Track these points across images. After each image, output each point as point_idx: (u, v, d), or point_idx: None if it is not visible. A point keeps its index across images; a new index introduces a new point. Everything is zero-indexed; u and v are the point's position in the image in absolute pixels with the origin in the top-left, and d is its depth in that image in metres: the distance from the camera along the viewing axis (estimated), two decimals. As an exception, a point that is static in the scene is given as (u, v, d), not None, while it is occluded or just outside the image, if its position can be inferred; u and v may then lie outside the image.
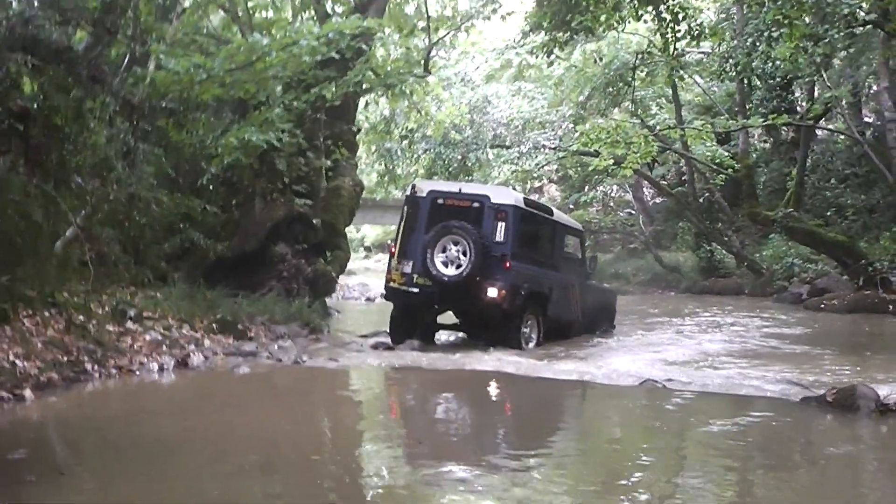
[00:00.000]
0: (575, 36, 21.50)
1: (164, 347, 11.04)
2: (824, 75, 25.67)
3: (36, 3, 10.60)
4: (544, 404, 9.96)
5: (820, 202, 30.85)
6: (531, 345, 13.74)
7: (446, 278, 13.04)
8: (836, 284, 24.92)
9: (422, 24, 22.47)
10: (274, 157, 16.43)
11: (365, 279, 37.23)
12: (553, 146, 34.91)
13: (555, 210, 15.95)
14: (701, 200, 33.86)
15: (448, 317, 14.66)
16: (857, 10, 17.97)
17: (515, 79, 38.10)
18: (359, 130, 23.33)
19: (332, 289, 19.69)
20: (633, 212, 42.23)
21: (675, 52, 21.78)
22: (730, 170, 29.09)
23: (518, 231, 13.44)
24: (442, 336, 15.15)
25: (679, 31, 20.08)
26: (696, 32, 20.31)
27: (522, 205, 13.80)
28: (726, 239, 32.61)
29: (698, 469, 6.77)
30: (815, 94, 28.29)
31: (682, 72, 27.17)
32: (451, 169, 35.52)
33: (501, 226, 13.25)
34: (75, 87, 9.67)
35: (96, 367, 9.58)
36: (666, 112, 33.21)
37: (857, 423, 8.36)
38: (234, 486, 5.82)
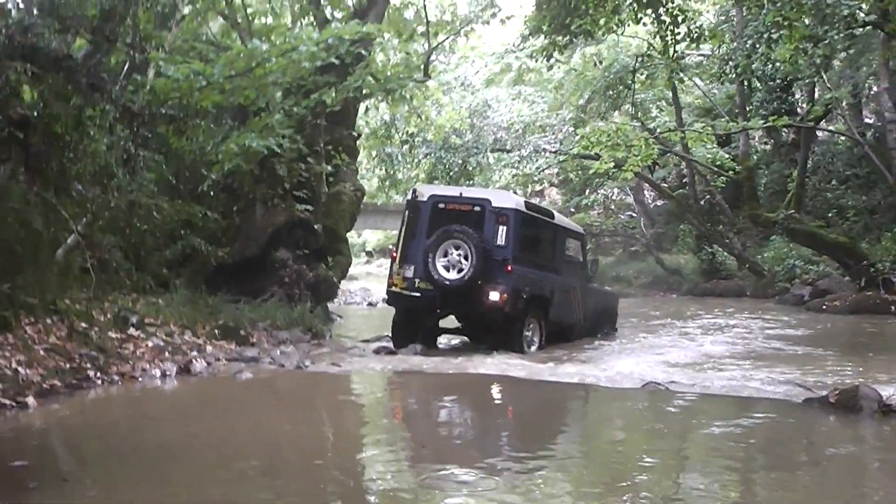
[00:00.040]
0: (574, 39, 21.48)
1: (167, 354, 11.04)
2: (824, 77, 25.69)
3: (35, 12, 10.63)
4: (547, 407, 9.96)
5: (821, 203, 30.83)
6: (533, 348, 13.74)
7: (448, 282, 13.05)
8: (838, 286, 24.88)
9: (421, 28, 22.49)
10: (274, 162, 16.43)
11: (366, 284, 37.24)
12: (554, 150, 34.93)
13: (556, 213, 15.95)
14: (702, 203, 33.87)
15: (450, 321, 14.66)
16: (857, 11, 17.96)
17: (515, 83, 38.10)
18: (359, 135, 23.34)
19: (334, 294, 19.69)
20: (634, 214, 42.22)
21: (675, 55, 21.79)
22: (731, 172, 29.12)
23: (519, 235, 13.44)
24: (444, 340, 15.15)
25: (678, 33, 20.09)
26: (696, 35, 20.32)
27: (523, 208, 13.80)
28: (727, 241, 32.60)
29: (701, 471, 6.76)
30: (816, 95, 28.26)
31: (681, 74, 27.23)
32: (451, 173, 35.53)
33: (503, 229, 13.25)
34: (75, 94, 9.68)
35: (99, 373, 9.58)
36: (666, 115, 33.23)
37: (859, 423, 8.35)
38: (237, 492, 5.81)
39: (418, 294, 13.50)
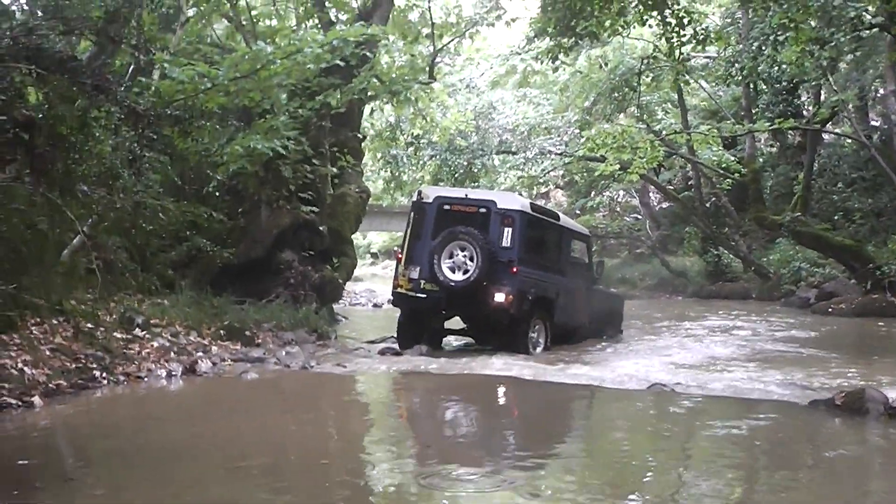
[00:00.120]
0: (580, 41, 21.46)
1: (172, 354, 11.05)
2: (830, 79, 25.63)
3: (40, 14, 10.66)
4: (552, 408, 9.94)
5: (827, 206, 30.80)
6: (539, 350, 13.73)
7: (453, 284, 13.04)
8: (844, 288, 24.83)
9: (426, 30, 22.49)
10: (279, 164, 16.44)
11: (371, 285, 37.32)
12: (559, 152, 34.90)
13: (561, 215, 15.93)
14: (707, 205, 33.85)
15: (455, 322, 14.65)
16: (864, 13, 17.94)
17: (520, 85, 38.12)
18: (364, 137, 23.36)
19: (339, 295, 19.70)
20: (639, 217, 42.18)
21: (681, 57, 21.74)
22: (736, 174, 29.11)
23: (525, 236, 13.42)
24: (450, 341, 15.14)
25: (684, 35, 20.05)
26: (702, 37, 20.28)
27: (529, 210, 13.79)
28: (733, 243, 32.57)
29: (706, 472, 6.73)
30: (822, 97, 28.22)
31: (687, 76, 27.15)
32: (456, 175, 35.52)
33: (508, 231, 13.24)
34: (80, 96, 9.69)
35: (104, 373, 9.60)
36: (672, 117, 33.20)
37: (865, 426, 8.33)
38: (242, 492, 5.81)
39: (424, 295, 13.49)
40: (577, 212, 39.10)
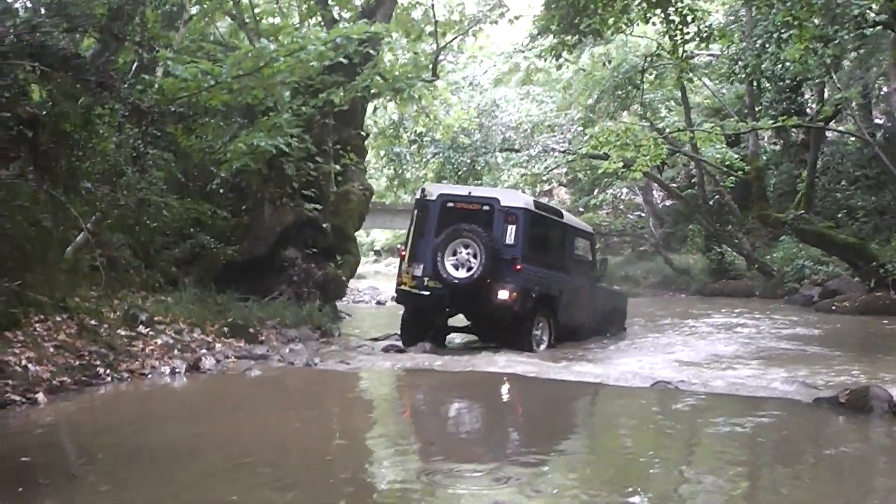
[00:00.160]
0: (583, 39, 21.44)
1: (176, 351, 11.06)
2: (834, 77, 25.59)
3: (43, 11, 10.65)
4: (556, 406, 9.94)
5: (830, 204, 30.73)
6: (542, 347, 13.73)
7: (457, 281, 13.05)
8: (848, 286, 24.77)
9: (429, 28, 22.50)
10: (283, 162, 16.45)
11: (375, 283, 37.32)
12: (562, 149, 34.87)
13: (565, 212, 15.92)
14: (711, 203, 33.78)
15: (459, 319, 14.65)
16: (867, 10, 17.91)
17: (524, 82, 38.09)
18: (367, 135, 23.38)
19: (343, 292, 19.71)
20: (642, 214, 42.14)
21: (684, 55, 21.71)
22: (740, 172, 29.05)
23: (528, 234, 13.42)
24: (454, 339, 15.14)
25: (688, 33, 20.03)
26: (705, 34, 20.25)
27: (532, 207, 13.78)
28: (737, 241, 32.51)
29: (710, 470, 6.72)
30: (825, 95, 28.17)
31: (691, 74, 27.13)
32: (460, 173, 35.53)
33: (512, 228, 13.24)
34: (84, 93, 9.69)
35: (108, 370, 9.61)
36: (675, 114, 33.15)
37: (869, 424, 8.32)
38: (247, 489, 5.81)
39: (427, 292, 13.49)
40: (581, 209, 39.03)
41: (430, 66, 21.50)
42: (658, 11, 19.74)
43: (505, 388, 10.81)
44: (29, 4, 12.09)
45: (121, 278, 12.60)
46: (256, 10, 20.05)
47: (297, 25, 21.34)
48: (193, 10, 17.17)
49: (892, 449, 7.87)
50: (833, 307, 22.85)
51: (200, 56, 15.49)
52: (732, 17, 28.78)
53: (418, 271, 13.61)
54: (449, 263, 13.12)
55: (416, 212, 14.11)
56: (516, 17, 25.47)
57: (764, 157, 32.38)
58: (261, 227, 17.02)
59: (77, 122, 9.79)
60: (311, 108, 16.75)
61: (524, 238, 13.29)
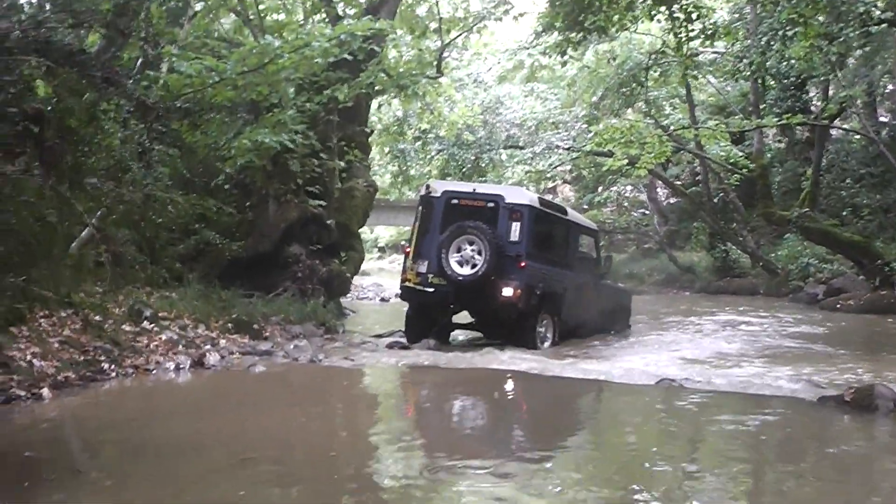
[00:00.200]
0: (588, 36, 21.43)
1: (180, 347, 11.08)
2: (839, 75, 25.56)
3: (48, 7, 10.66)
4: (560, 403, 9.94)
5: (835, 202, 30.68)
6: (546, 344, 13.73)
7: (461, 278, 13.05)
8: (852, 284, 24.72)
9: (434, 25, 22.49)
10: (287, 158, 16.44)
11: (379, 279, 37.35)
12: (567, 146, 34.83)
13: (569, 210, 15.93)
14: (715, 200, 33.73)
15: (463, 316, 14.65)
16: (872, 8, 17.87)
17: (528, 79, 38.08)
18: (372, 132, 23.36)
19: (347, 289, 19.71)
20: (647, 212, 42.12)
21: (689, 52, 21.69)
22: (744, 170, 28.99)
23: (533, 231, 13.42)
24: (458, 336, 15.14)
25: (692, 30, 20.02)
26: (710, 32, 20.24)
27: (537, 204, 13.78)
28: (741, 239, 32.47)
29: (713, 468, 6.71)
30: (830, 93, 28.11)
31: (695, 72, 27.08)
32: (464, 170, 35.50)
33: (516, 226, 13.24)
34: (89, 89, 9.69)
35: (113, 366, 9.62)
36: (679, 112, 33.14)
37: (875, 423, 8.31)
38: (251, 485, 5.81)
39: (432, 289, 13.49)
40: (585, 207, 39.02)
41: (435, 63, 21.48)
42: (663, 8, 19.74)
43: (509, 385, 10.79)
44: (34, 0, 12.09)
45: (126, 274, 12.60)
46: (261, 7, 20.01)
47: (302, 22, 21.33)
48: (198, 7, 17.16)
49: (896, 448, 7.87)
50: (838, 305, 22.82)
51: (205, 52, 15.49)
52: (737, 15, 28.72)
53: (423, 268, 13.61)
54: (453, 260, 13.12)
55: (420, 208, 14.12)
56: (521, 14, 25.43)
57: (768, 155, 32.32)
58: (265, 224, 17.02)
59: (82, 118, 9.79)
60: (316, 104, 16.74)
61: (529, 235, 13.28)
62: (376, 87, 19.12)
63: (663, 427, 8.57)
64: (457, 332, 15.08)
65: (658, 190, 42.40)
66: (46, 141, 9.38)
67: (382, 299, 28.01)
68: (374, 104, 25.17)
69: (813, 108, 31.47)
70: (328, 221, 17.73)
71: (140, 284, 13.12)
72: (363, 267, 23.68)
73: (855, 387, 9.11)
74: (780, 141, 36.59)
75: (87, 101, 9.82)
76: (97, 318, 10.61)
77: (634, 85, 31.16)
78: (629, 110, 35.14)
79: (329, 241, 17.84)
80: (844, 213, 29.21)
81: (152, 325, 11.47)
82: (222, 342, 12.01)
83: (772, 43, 19.90)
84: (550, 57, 23.81)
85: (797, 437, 8.04)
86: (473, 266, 13.02)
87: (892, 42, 24.41)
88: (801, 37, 18.19)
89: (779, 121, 24.60)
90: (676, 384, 10.14)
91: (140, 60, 13.99)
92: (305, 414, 8.62)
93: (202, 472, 6.09)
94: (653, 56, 28.34)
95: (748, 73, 23.73)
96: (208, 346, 11.46)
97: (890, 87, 29.77)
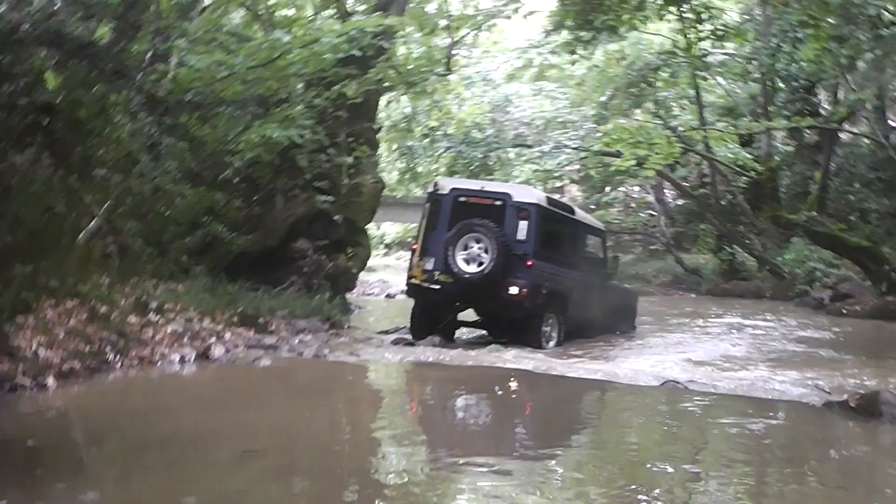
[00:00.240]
0: (598, 35, 21.42)
1: (186, 339, 11.05)
2: (849, 78, 25.49)
3: (59, -1, 10.67)
4: (564, 403, 9.94)
5: (843, 206, 30.61)
6: (552, 344, 13.70)
7: (467, 276, 13.03)
8: (859, 290, 24.65)
9: (443, 22, 22.47)
10: (295, 153, 16.46)
11: (385, 276, 37.34)
12: (575, 146, 34.79)
13: (577, 209, 15.91)
14: (723, 202, 33.70)
15: (469, 314, 14.64)
16: (884, 11, 17.82)
17: (537, 78, 37.99)
18: (380, 128, 23.36)
19: (353, 285, 19.76)
20: (654, 213, 42.05)
21: (699, 53, 21.67)
22: (752, 172, 28.98)
23: (540, 230, 13.40)
24: (463, 334, 15.13)
25: (702, 31, 20.01)
26: (720, 33, 20.23)
27: (545, 203, 13.78)
28: (748, 242, 32.43)
29: (715, 471, 6.69)
30: (840, 96, 28.05)
31: (705, 73, 27.05)
32: (472, 168, 35.48)
33: (524, 224, 13.23)
34: (99, 81, 9.72)
35: (118, 357, 9.61)
36: (688, 113, 33.10)
37: (879, 429, 8.27)
38: (255, 478, 5.82)
39: (438, 287, 13.48)
40: (592, 207, 38.96)
41: (444, 61, 21.49)
42: (673, 8, 19.72)
43: (513, 384, 10.78)
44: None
45: (132, 265, 12.63)
46: (271, 2, 20.03)
47: (312, 17, 21.33)
48: (207, 1, 17.17)
49: (901, 454, 7.85)
50: (844, 310, 22.75)
51: (214, 47, 15.51)
52: (747, 16, 28.68)
53: (429, 265, 13.60)
54: (460, 258, 13.11)
55: (427, 206, 14.11)
56: (530, 13, 25.48)
57: (777, 158, 32.26)
58: (272, 218, 17.05)
59: (92, 110, 9.82)
60: (325, 100, 16.76)
61: (536, 234, 13.28)
62: (385, 84, 19.14)
63: (667, 429, 8.56)
64: (462, 330, 15.06)
65: (665, 191, 42.34)
66: (56, 132, 9.41)
67: (388, 296, 28.01)
68: (383, 101, 25.16)
69: (822, 111, 31.41)
70: (335, 217, 17.75)
71: (146, 276, 13.14)
72: (369, 263, 23.68)
73: (860, 392, 9.09)
74: (788, 144, 36.49)
75: (97, 93, 9.85)
76: (103, 308, 10.61)
77: (643, 85, 31.09)
78: (638, 110, 35.07)
79: (336, 237, 17.87)
80: (852, 218, 29.13)
81: (158, 316, 11.46)
82: (228, 335, 11.99)
83: (782, 45, 19.91)
84: (560, 56, 23.79)
85: (801, 441, 8.02)
86: (480, 264, 13.00)
87: (902, 46, 24.29)
88: (811, 39, 18.17)
89: (788, 123, 24.57)
90: (681, 386, 10.12)
91: (149, 54, 14.02)
92: (310, 408, 8.64)
93: (207, 464, 6.10)
94: (662, 56, 28.30)
95: (758, 75, 23.70)
96: (213, 339, 11.44)
97: (900, 91, 29.63)
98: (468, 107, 32.75)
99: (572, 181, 45.71)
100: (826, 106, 30.77)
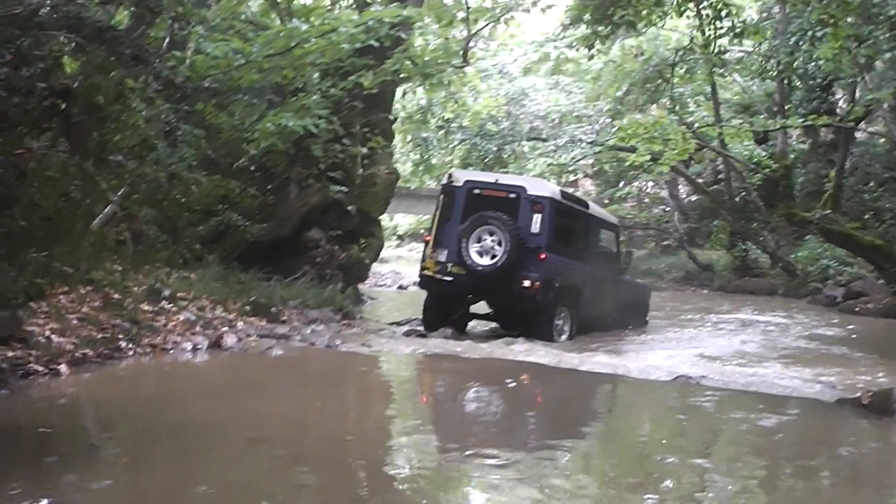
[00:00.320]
0: (616, 30, 21.37)
1: (198, 328, 11.07)
2: (866, 77, 25.37)
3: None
4: (575, 397, 9.91)
5: (857, 205, 30.47)
6: (563, 337, 13.68)
7: (480, 268, 13.02)
8: (872, 288, 24.59)
9: (461, 14, 22.44)
10: (310, 143, 16.46)
11: (397, 267, 37.40)
12: (589, 140, 34.77)
13: (591, 203, 15.89)
14: (737, 199, 33.61)
15: (482, 306, 14.64)
16: (902, 10, 17.75)
17: (553, 72, 37.97)
18: (395, 119, 23.36)
19: (365, 276, 19.77)
20: (667, 209, 42.00)
21: (717, 50, 21.58)
22: (767, 170, 28.87)
23: (554, 223, 13.38)
24: (475, 326, 15.13)
25: (721, 27, 19.91)
26: (738, 30, 20.12)
27: (559, 197, 13.75)
28: (761, 239, 32.35)
29: (726, 467, 6.66)
30: (857, 95, 27.91)
31: (722, 69, 26.96)
32: (486, 160, 35.47)
33: (537, 217, 13.21)
34: (117, 66, 9.72)
35: (130, 344, 9.62)
36: (704, 109, 33.00)
37: (892, 427, 8.25)
38: (265, 467, 5.83)
39: (450, 278, 13.47)
40: (606, 201, 38.93)
41: (461, 53, 21.45)
42: (691, 4, 19.65)
43: (525, 377, 10.75)
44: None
45: (146, 253, 12.65)
46: (288, -10, 20.05)
47: (329, 7, 21.34)
48: (225, -12, 17.20)
49: (913, 453, 7.82)
50: (856, 309, 22.71)
51: (231, 35, 15.52)
52: (766, 14, 28.57)
53: (442, 257, 13.59)
54: (473, 250, 13.10)
55: (441, 197, 14.10)
56: (548, 6, 25.38)
57: (792, 156, 32.14)
58: (286, 208, 17.06)
59: (109, 95, 9.82)
60: (340, 90, 16.75)
61: (549, 227, 13.25)
62: (401, 75, 19.12)
63: (678, 424, 8.55)
64: (474, 322, 15.06)
65: (679, 187, 42.27)
66: (73, 117, 9.42)
67: (400, 287, 28.04)
68: (399, 92, 25.14)
69: (838, 110, 31.29)
70: (349, 207, 17.76)
71: (160, 264, 13.16)
72: (382, 254, 23.69)
73: (873, 390, 9.05)
74: (803, 142, 36.38)
75: (115, 78, 9.85)
76: (116, 295, 10.63)
77: (660, 81, 31.08)
78: (653, 106, 35.02)
79: (349, 227, 17.88)
80: (866, 217, 28.99)
81: (171, 304, 11.48)
82: (240, 324, 12.00)
83: (800, 43, 19.79)
84: (577, 50, 23.76)
85: (813, 438, 7.99)
86: (493, 257, 12.99)
87: (921, 46, 24.17)
88: (829, 38, 18.09)
89: (804, 122, 24.50)
90: (694, 382, 10.10)
91: (167, 40, 14.03)
92: (321, 398, 8.64)
93: (219, 452, 6.11)
94: (679, 52, 28.21)
95: (775, 73, 23.59)
96: (226, 328, 11.45)
97: (917, 91, 29.48)
98: (484, 99, 32.74)
99: (586, 175, 45.70)
100: (842, 105, 30.65)
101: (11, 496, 4.71)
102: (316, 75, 16.63)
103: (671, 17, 22.29)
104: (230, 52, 13.79)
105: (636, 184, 41.77)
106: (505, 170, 34.67)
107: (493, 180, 14.09)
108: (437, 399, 9.70)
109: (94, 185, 10.17)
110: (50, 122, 9.52)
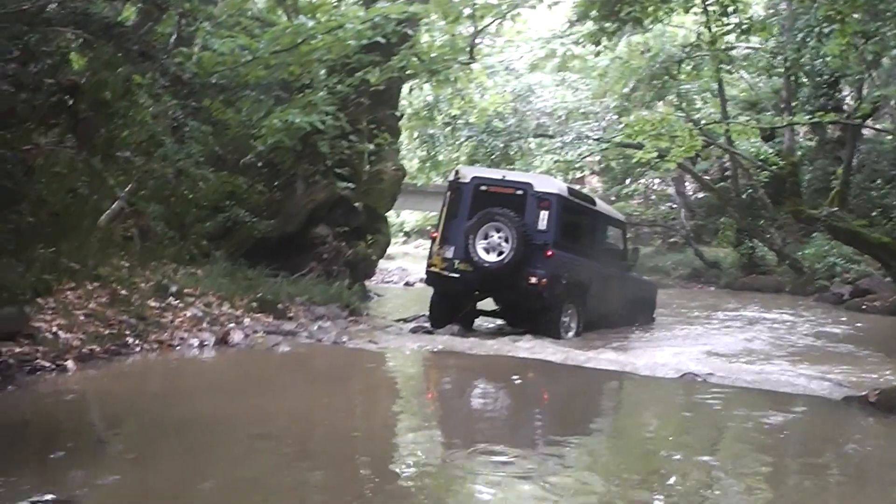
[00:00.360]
0: (623, 27, 21.33)
1: (205, 324, 11.08)
2: (873, 74, 25.30)
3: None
4: (582, 394, 9.92)
5: (865, 202, 30.39)
6: (570, 334, 13.69)
7: (487, 265, 13.01)
8: (879, 286, 24.52)
9: (468, 11, 22.40)
10: (317, 139, 16.45)
11: (404, 264, 37.32)
12: (596, 137, 34.70)
13: (598, 200, 15.87)
14: (743, 196, 33.54)
15: (488, 303, 14.64)
16: (910, 7, 17.69)
17: (560, 69, 37.86)
18: (402, 116, 23.33)
19: (372, 272, 19.76)
20: (674, 206, 41.90)
21: (723, 46, 21.55)
22: (774, 167, 28.80)
23: (561, 220, 13.37)
24: (482, 323, 15.13)
25: (727, 24, 19.88)
26: (745, 27, 20.09)
27: (566, 194, 13.74)
28: (768, 236, 32.27)
29: (732, 465, 6.66)
30: (864, 92, 27.82)
31: (728, 66, 26.90)
32: (493, 157, 35.40)
33: (544, 214, 13.19)
34: (125, 62, 9.72)
35: (137, 340, 9.65)
36: (711, 106, 32.92)
37: (899, 424, 8.25)
38: (272, 463, 5.84)
39: (457, 275, 13.47)
40: (613, 198, 38.82)
41: (467, 49, 21.43)
42: (698, 1, 19.61)
43: (531, 373, 10.76)
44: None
45: (153, 249, 12.66)
46: (295, -13, 20.03)
47: (336, 3, 21.31)
48: (232, -15, 17.18)
49: (920, 451, 7.79)
50: (863, 306, 22.66)
51: (238, 31, 15.52)
52: (772, 10, 28.49)
53: (449, 254, 13.59)
54: (480, 247, 13.09)
55: (448, 194, 14.10)
56: (555, 3, 25.34)
57: (799, 153, 32.05)
58: (293, 204, 17.04)
59: (117, 91, 9.82)
60: (347, 86, 16.74)
61: (556, 224, 13.24)
62: (408, 72, 19.09)
63: (685, 421, 8.56)
64: (481, 318, 15.06)
65: (686, 184, 42.17)
66: (80, 113, 9.42)
67: (407, 283, 28.01)
68: (405, 88, 25.12)
69: (845, 106, 31.21)
70: (355, 204, 17.75)
71: (167, 260, 13.17)
72: (389, 251, 23.68)
73: (880, 388, 9.04)
74: (810, 139, 36.31)
75: (122, 74, 9.85)
76: (123, 292, 10.65)
77: (666, 78, 30.95)
78: (660, 103, 34.93)
79: (356, 224, 17.87)
80: (874, 214, 28.92)
81: (178, 301, 11.50)
82: (246, 321, 12.01)
83: (807, 39, 19.75)
84: (583, 47, 23.70)
85: (819, 435, 7.99)
86: (500, 253, 12.99)
87: (929, 43, 24.10)
88: (837, 34, 18.02)
89: (811, 118, 24.42)
90: (701, 379, 10.10)
91: (174, 36, 14.04)
92: (328, 394, 8.66)
93: (225, 449, 6.12)
94: (686, 49, 28.15)
95: (782, 70, 23.53)
96: (232, 324, 11.47)
97: (925, 88, 29.39)
98: (490, 96, 32.68)
99: (593, 172, 45.63)
100: (850, 102, 30.56)
101: (20, 491, 4.72)
102: (322, 72, 16.62)
103: (678, 14, 22.25)
104: (237, 48, 13.80)
105: (643, 181, 41.67)
106: (511, 166, 34.63)
107: (499, 177, 14.08)
108: (443, 396, 9.71)
109: (101, 181, 10.18)
110: (57, 119, 9.53)
